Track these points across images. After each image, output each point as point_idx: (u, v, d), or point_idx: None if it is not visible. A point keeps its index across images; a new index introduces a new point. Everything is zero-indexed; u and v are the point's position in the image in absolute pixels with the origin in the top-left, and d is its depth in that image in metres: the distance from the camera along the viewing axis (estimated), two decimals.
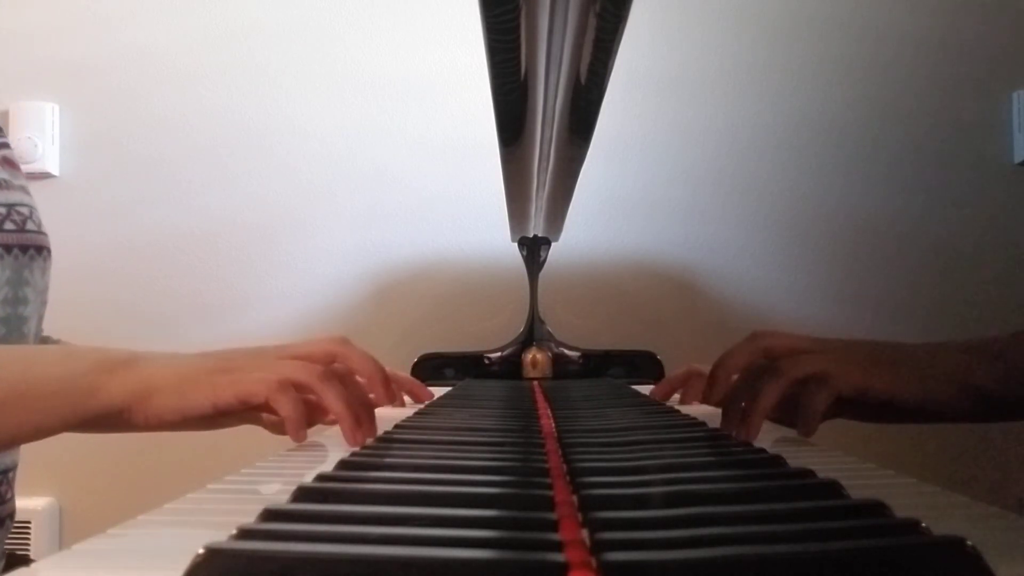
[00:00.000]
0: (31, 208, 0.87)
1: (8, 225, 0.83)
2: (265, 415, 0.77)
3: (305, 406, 0.68)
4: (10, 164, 0.89)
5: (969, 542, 0.31)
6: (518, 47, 0.59)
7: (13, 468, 0.87)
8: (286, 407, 0.66)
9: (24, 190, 0.89)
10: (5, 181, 0.86)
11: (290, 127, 1.69)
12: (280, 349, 0.72)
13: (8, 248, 0.82)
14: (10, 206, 0.84)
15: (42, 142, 1.68)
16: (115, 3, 1.70)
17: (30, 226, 0.86)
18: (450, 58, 1.64)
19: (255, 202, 1.69)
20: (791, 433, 0.76)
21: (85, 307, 1.61)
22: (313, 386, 0.67)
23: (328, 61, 1.69)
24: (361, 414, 0.68)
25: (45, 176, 1.69)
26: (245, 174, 1.69)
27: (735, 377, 0.73)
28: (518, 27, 0.56)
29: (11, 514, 0.87)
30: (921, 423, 0.72)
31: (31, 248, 0.85)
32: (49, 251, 0.88)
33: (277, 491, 0.51)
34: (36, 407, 0.64)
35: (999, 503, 0.45)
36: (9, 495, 0.86)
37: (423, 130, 1.67)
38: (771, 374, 0.67)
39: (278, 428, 0.79)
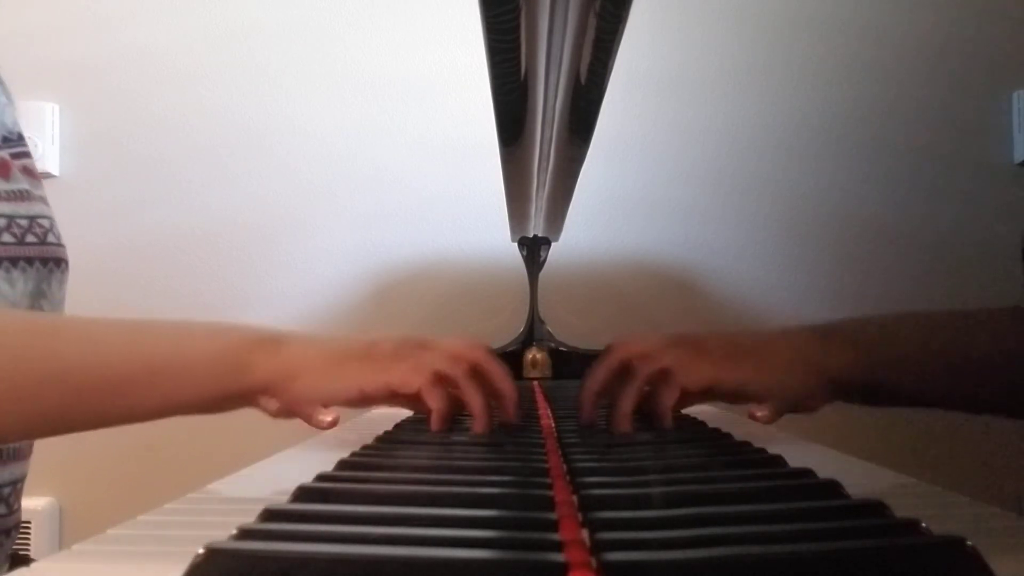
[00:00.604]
0: (51, 220, 0.87)
1: (30, 238, 0.83)
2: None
3: (454, 402, 0.70)
4: (30, 174, 0.89)
5: (969, 542, 0.31)
6: (518, 47, 0.59)
7: (22, 479, 0.88)
8: (438, 401, 0.68)
9: (44, 201, 0.89)
10: (27, 192, 0.85)
11: (290, 127, 1.69)
12: (424, 342, 0.72)
13: (30, 261, 0.82)
14: (32, 218, 0.84)
15: (42, 142, 1.68)
16: (115, 3, 1.70)
17: (50, 239, 0.85)
18: (450, 58, 1.64)
19: (255, 202, 1.69)
20: (792, 432, 0.76)
21: (85, 307, 1.60)
22: (459, 380, 0.69)
23: (328, 61, 1.68)
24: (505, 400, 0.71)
25: (45, 176, 1.68)
26: (245, 174, 1.69)
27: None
28: (518, 27, 0.56)
29: (17, 524, 0.87)
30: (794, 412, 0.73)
31: (51, 261, 0.85)
32: (67, 263, 0.88)
33: (277, 491, 0.51)
34: (187, 381, 0.65)
35: (999, 503, 0.45)
36: (16, 506, 0.86)
37: (423, 130, 1.67)
38: (626, 381, 0.71)
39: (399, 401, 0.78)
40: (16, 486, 0.86)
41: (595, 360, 0.75)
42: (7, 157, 0.86)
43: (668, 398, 0.69)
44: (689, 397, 0.72)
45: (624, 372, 0.73)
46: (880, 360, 0.70)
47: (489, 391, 0.72)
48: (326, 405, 0.68)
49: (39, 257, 0.83)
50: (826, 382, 0.69)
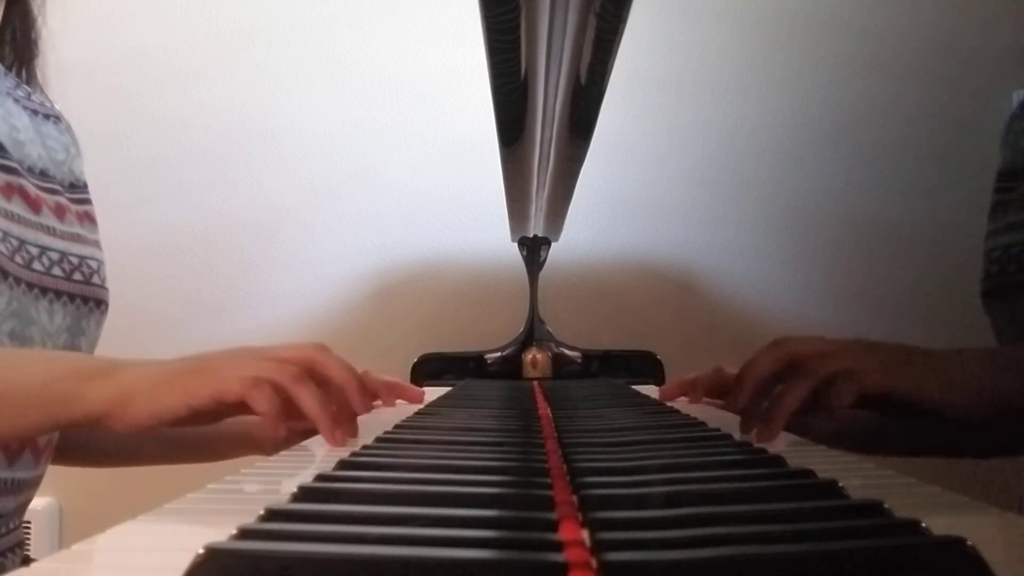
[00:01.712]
0: (100, 263, 0.90)
1: (77, 276, 0.85)
2: (248, 421, 0.77)
3: (283, 404, 0.67)
4: (89, 219, 0.93)
5: (969, 542, 0.31)
6: (518, 47, 0.59)
7: (30, 499, 0.89)
8: (261, 403, 0.65)
9: (97, 245, 0.91)
10: (81, 236, 0.89)
11: (290, 127, 1.69)
12: (256, 351, 0.71)
13: (72, 297, 0.84)
14: (82, 258, 0.87)
15: None
16: (115, 3, 1.70)
17: (95, 280, 0.88)
18: (450, 58, 1.64)
19: (255, 202, 1.69)
20: (792, 434, 0.76)
21: None
22: (286, 386, 0.66)
23: (328, 61, 1.69)
24: (340, 415, 0.69)
25: None
26: (245, 174, 1.69)
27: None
28: (518, 27, 0.56)
29: (20, 543, 0.88)
30: (942, 427, 0.72)
31: (92, 300, 0.87)
32: (107, 305, 0.90)
33: (277, 491, 0.51)
34: (14, 410, 0.65)
35: (999, 503, 0.45)
36: (15, 524, 0.87)
37: (423, 130, 1.67)
38: (799, 375, 0.67)
39: (264, 446, 0.78)
40: (23, 507, 0.88)
41: (759, 351, 0.71)
42: (65, 203, 0.89)
43: (847, 397, 0.66)
44: (858, 402, 0.69)
45: (793, 368, 0.69)
46: None
47: (329, 388, 0.70)
48: (160, 425, 0.66)
49: (81, 295, 0.85)
50: (992, 402, 0.69)
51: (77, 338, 0.85)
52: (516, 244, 1.43)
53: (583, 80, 0.67)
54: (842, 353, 0.69)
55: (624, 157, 1.64)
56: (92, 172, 1.71)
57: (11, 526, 0.85)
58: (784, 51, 1.66)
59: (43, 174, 0.88)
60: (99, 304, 0.88)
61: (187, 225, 1.69)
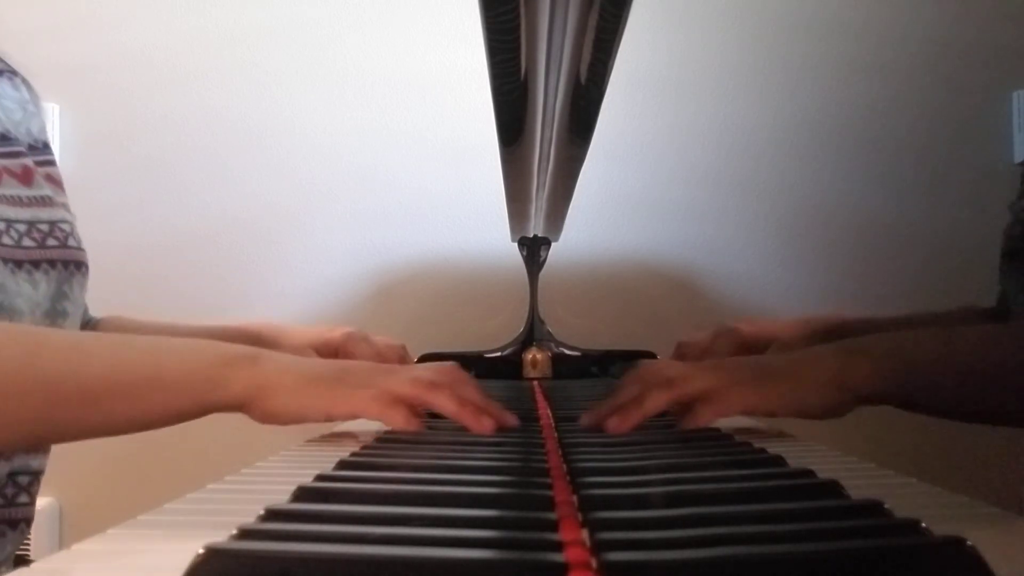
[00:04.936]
0: (72, 225, 0.90)
1: (51, 241, 0.85)
2: None
3: (418, 416, 0.71)
4: (54, 182, 0.92)
5: (969, 542, 0.31)
6: (518, 47, 0.59)
7: (41, 472, 0.89)
8: (398, 422, 0.69)
9: (66, 207, 0.91)
10: (48, 198, 0.88)
11: (290, 127, 1.69)
12: (392, 369, 0.75)
13: (52, 263, 0.84)
14: (52, 223, 0.86)
15: None
16: (115, 3, 1.70)
17: (71, 242, 0.88)
18: (450, 58, 1.64)
19: (255, 202, 1.69)
20: (792, 433, 0.76)
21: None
22: (423, 398, 0.70)
23: (328, 61, 1.68)
24: (480, 407, 0.72)
25: None
26: (245, 174, 1.69)
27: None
28: (518, 27, 0.56)
29: (28, 519, 0.88)
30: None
31: (72, 263, 0.87)
32: (87, 267, 0.90)
33: (277, 491, 0.51)
34: (165, 395, 0.68)
35: (999, 503, 0.45)
36: (28, 500, 0.87)
37: (423, 130, 1.67)
38: (661, 387, 0.72)
39: None
40: (38, 477, 0.88)
41: (656, 389, 0.74)
42: (31, 165, 0.88)
43: (705, 419, 0.70)
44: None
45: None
46: (901, 374, 0.73)
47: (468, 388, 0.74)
48: (294, 423, 0.70)
49: (60, 260, 0.86)
50: (852, 398, 0.72)
51: (61, 303, 0.85)
52: (516, 244, 1.43)
53: (583, 80, 0.67)
54: (707, 373, 0.73)
55: (624, 157, 1.64)
56: (92, 172, 1.71)
57: (17, 498, 0.86)
58: (784, 51, 1.66)
59: (3, 138, 0.87)
60: (79, 266, 0.88)
61: (187, 225, 1.69)
